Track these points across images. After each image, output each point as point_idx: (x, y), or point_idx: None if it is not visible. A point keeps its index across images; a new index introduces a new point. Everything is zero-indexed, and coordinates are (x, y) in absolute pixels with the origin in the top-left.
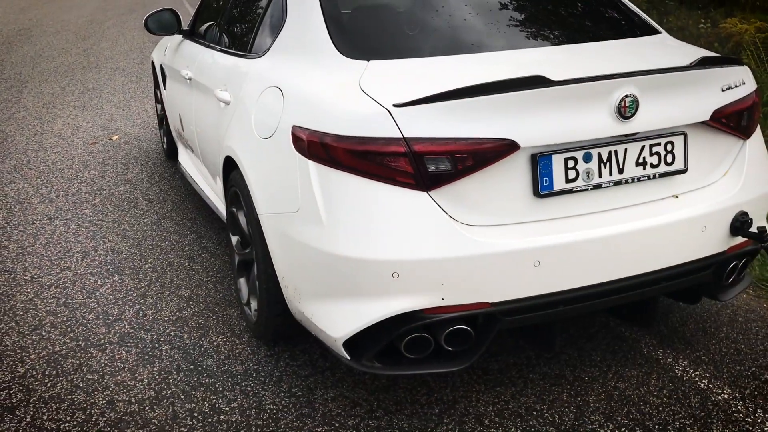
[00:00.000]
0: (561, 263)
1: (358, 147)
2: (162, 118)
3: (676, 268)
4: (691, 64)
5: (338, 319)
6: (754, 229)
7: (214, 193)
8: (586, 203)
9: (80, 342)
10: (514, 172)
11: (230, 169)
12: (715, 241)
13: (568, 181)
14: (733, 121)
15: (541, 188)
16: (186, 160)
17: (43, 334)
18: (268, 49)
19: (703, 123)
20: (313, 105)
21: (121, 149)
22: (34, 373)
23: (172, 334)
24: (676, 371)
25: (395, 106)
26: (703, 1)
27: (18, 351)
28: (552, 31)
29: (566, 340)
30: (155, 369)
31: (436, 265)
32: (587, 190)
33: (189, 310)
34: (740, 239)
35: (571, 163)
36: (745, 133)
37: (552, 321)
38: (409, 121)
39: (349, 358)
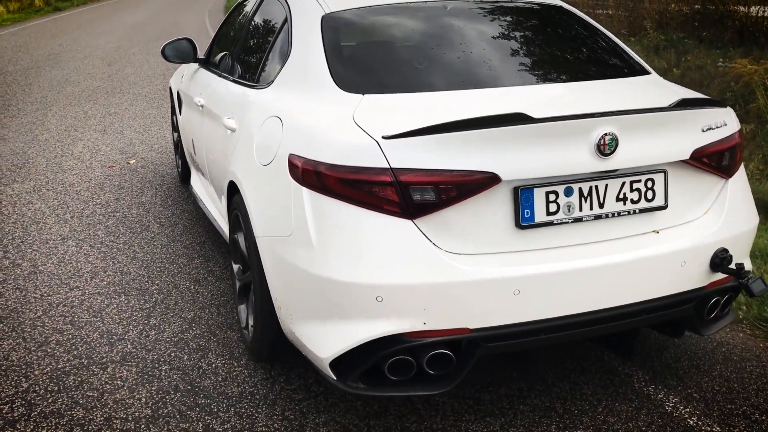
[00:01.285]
0: (540, 293)
1: (348, 176)
2: (177, 143)
3: (656, 301)
4: (670, 105)
5: (325, 340)
6: (733, 266)
7: (221, 216)
8: (566, 236)
9: (83, 360)
10: (497, 204)
11: (233, 193)
12: (695, 276)
13: (549, 213)
14: (714, 161)
15: (523, 220)
16: (197, 183)
17: (48, 350)
18: (273, 81)
19: (683, 162)
20: (309, 135)
21: (137, 173)
22: (37, 388)
23: (173, 354)
24: (666, 407)
25: (384, 138)
26: (722, 41)
27: (23, 366)
28: (542, 69)
29: (559, 373)
30: (153, 388)
31: (418, 290)
32: (568, 223)
33: (191, 331)
34: (721, 275)
35: (552, 197)
36: (727, 173)
37: (532, 348)
38: (397, 153)
39: (335, 378)
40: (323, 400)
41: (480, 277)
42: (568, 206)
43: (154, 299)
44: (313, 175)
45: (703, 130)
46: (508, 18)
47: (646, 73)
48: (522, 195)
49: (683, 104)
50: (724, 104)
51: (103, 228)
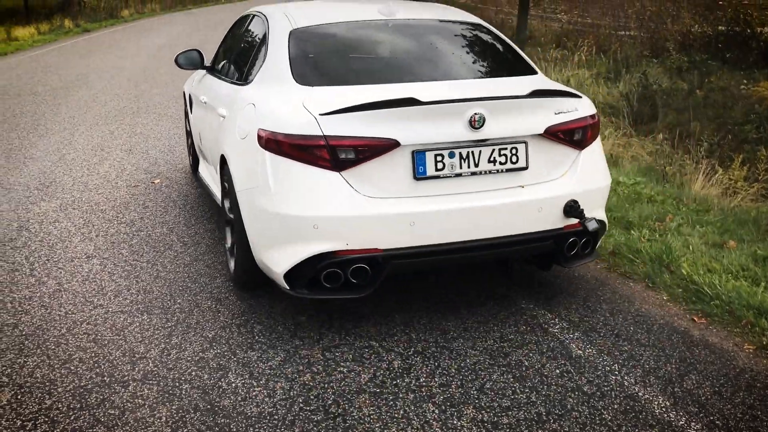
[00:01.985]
0: (430, 225)
1: (296, 142)
2: (189, 137)
3: (522, 236)
4: (525, 94)
5: (279, 259)
6: (583, 213)
7: (217, 187)
8: (450, 186)
9: (105, 378)
10: (399, 162)
11: (223, 166)
12: (551, 219)
13: (437, 170)
14: (567, 136)
15: (418, 174)
16: (203, 169)
17: (72, 368)
18: (253, 79)
19: (540, 135)
20: (272, 115)
21: (161, 192)
22: (60, 406)
23: (193, 373)
24: (551, 330)
25: (320, 115)
26: (746, 62)
27: (47, 383)
28: (448, 69)
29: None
30: (174, 407)
31: (343, 221)
32: (451, 177)
33: (212, 351)
34: (574, 221)
35: (439, 158)
36: (579, 146)
37: (428, 269)
38: (329, 125)
39: (288, 287)
40: (341, 422)
41: (386, 212)
42: (451, 165)
43: (175, 318)
44: (273, 143)
45: (555, 113)
46: (434, 32)
47: (534, 73)
48: (417, 156)
49: (536, 94)
50: (578, 95)
51: (128, 247)
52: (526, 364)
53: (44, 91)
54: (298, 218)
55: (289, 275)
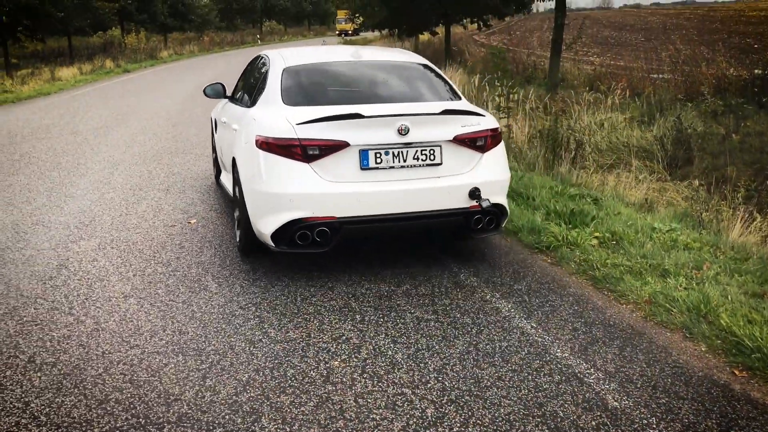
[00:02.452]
0: (371, 201)
1: (280, 143)
2: (213, 152)
3: (439, 212)
4: (438, 112)
5: (267, 225)
6: (484, 199)
7: (230, 185)
8: (385, 175)
9: (141, 419)
10: (349, 157)
11: (234, 167)
12: (460, 201)
13: (376, 163)
14: (471, 142)
15: (362, 166)
16: (223, 176)
17: (108, 408)
18: (256, 103)
19: (451, 141)
20: (265, 125)
21: (197, 233)
22: None
23: (227, 417)
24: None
25: (296, 124)
26: None
27: (83, 424)
28: (392, 96)
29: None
30: None
31: (310, 197)
32: (386, 168)
33: (245, 394)
34: (475, 203)
35: (377, 155)
36: (481, 150)
37: (372, 234)
38: (302, 131)
39: (273, 245)
40: None
41: (340, 191)
42: (387, 160)
43: (210, 360)
44: (264, 144)
45: (462, 126)
46: (387, 69)
47: (458, 98)
48: (362, 153)
49: (446, 112)
50: (481, 114)
51: (164, 287)
52: (561, 415)
53: (85, 130)
54: (279, 195)
55: (274, 236)
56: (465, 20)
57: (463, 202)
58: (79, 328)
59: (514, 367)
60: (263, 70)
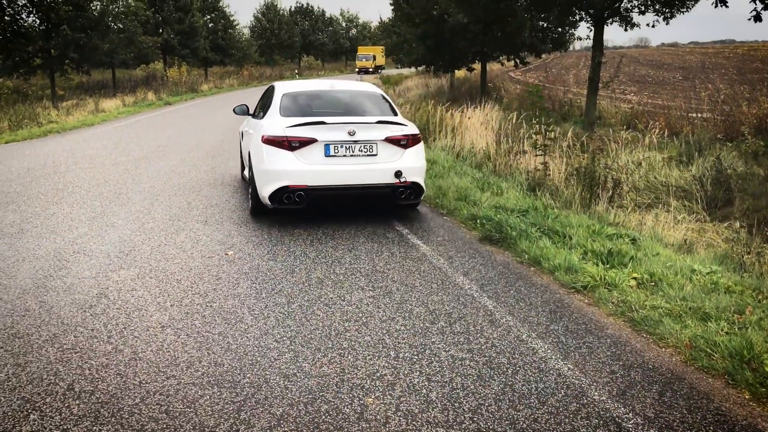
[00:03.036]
0: (329, 176)
1: (276, 139)
2: (240, 155)
3: (375, 185)
4: (374, 122)
5: (266, 190)
6: (403, 177)
7: (247, 171)
8: (341, 160)
9: None
10: (318, 148)
11: (249, 157)
12: (389, 178)
13: (335, 153)
14: (397, 142)
15: (326, 154)
16: (246, 171)
17: None
18: (264, 116)
19: (383, 140)
20: (268, 128)
21: (234, 264)
22: None
23: None
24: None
25: (286, 127)
26: None
27: None
28: (353, 112)
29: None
30: None
31: (291, 172)
32: (341, 156)
33: (279, 428)
34: (398, 180)
35: (335, 148)
36: (404, 147)
37: (331, 197)
38: (288, 132)
39: (269, 203)
40: None
41: (311, 169)
42: (342, 152)
43: (245, 392)
44: (266, 139)
45: (391, 132)
46: (351, 95)
47: (395, 114)
48: (326, 146)
49: (380, 122)
50: (404, 124)
51: (200, 318)
52: None
53: (126, 161)
54: (274, 171)
55: (270, 197)
56: (501, 57)
57: (390, 179)
58: (117, 357)
59: (550, 409)
60: (271, 95)
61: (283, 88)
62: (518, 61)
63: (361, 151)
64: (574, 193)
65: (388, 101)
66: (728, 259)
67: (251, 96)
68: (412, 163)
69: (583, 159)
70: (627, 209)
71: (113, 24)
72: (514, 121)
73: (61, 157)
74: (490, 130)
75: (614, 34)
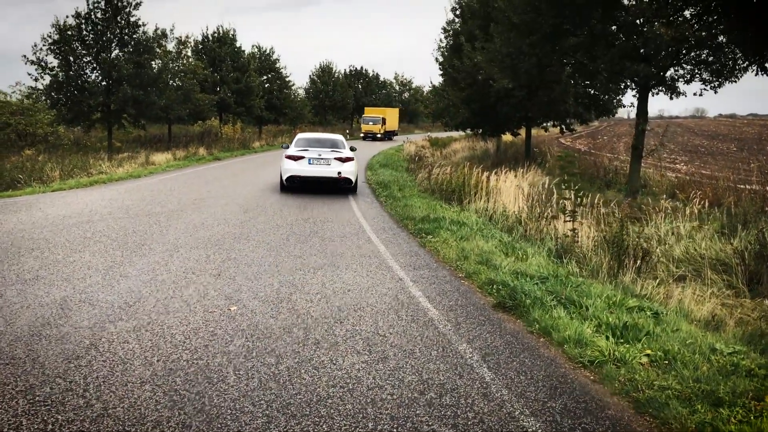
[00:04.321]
0: (309, 172)
1: (289, 156)
2: (280, 174)
3: (328, 177)
4: (330, 150)
5: (284, 177)
6: (344, 175)
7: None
8: (315, 165)
9: None
10: (305, 161)
11: (280, 167)
12: (335, 174)
13: (312, 163)
14: (340, 159)
15: (308, 163)
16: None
17: None
18: (289, 147)
19: (333, 158)
20: (288, 152)
21: (233, 321)
22: None
23: None
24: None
25: (295, 150)
26: None
27: None
28: (324, 146)
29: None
30: None
31: (295, 169)
32: (315, 165)
33: None
34: (340, 176)
35: (312, 160)
36: (342, 162)
37: (309, 182)
38: (294, 152)
39: (286, 183)
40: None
41: (302, 168)
42: (315, 162)
43: None
44: (286, 156)
45: (336, 155)
46: (327, 139)
47: (346, 149)
48: (309, 159)
49: (332, 151)
50: (347, 151)
51: (183, 375)
52: None
53: (160, 212)
54: (288, 169)
55: (286, 180)
56: (546, 123)
57: (335, 175)
58: (86, 413)
59: None
60: (295, 137)
61: (300, 135)
62: (563, 127)
63: (323, 162)
64: (602, 261)
65: (343, 142)
66: (758, 339)
67: None
68: (347, 168)
69: (614, 227)
70: (657, 281)
71: (171, 81)
72: (546, 186)
73: (98, 206)
74: (523, 194)
75: (670, 104)
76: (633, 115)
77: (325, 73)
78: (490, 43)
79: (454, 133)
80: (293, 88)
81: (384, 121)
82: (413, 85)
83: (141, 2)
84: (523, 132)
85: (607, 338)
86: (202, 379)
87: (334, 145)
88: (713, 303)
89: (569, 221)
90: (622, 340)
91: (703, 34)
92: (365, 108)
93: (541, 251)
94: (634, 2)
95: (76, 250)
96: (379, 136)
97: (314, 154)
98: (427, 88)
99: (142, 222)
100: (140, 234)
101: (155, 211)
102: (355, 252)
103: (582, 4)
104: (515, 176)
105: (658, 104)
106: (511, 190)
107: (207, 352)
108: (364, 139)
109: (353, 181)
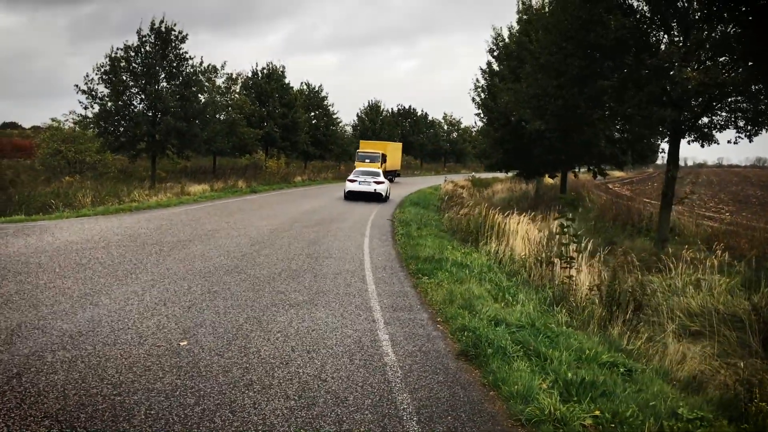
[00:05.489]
0: (359, 188)
1: (349, 179)
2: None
3: (370, 192)
4: (371, 176)
5: (345, 191)
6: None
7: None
8: (362, 185)
9: None
10: (357, 182)
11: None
12: (373, 190)
13: (360, 183)
14: (377, 182)
15: (359, 184)
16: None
17: None
18: (350, 175)
19: (373, 182)
20: (350, 176)
21: (176, 356)
22: None
23: None
24: None
25: (352, 176)
26: None
27: None
28: (368, 175)
29: None
30: None
31: (351, 188)
32: (363, 184)
33: None
34: (379, 193)
35: (361, 183)
36: (378, 183)
37: (360, 195)
38: (353, 177)
39: (344, 198)
40: None
41: (354, 186)
42: (363, 184)
43: None
44: (347, 179)
45: (375, 179)
46: (370, 170)
47: (380, 175)
48: (359, 182)
49: (372, 176)
50: (381, 177)
51: (90, 411)
52: None
53: (167, 241)
54: (347, 186)
55: (345, 194)
56: (580, 167)
57: (373, 190)
58: None
59: None
60: (354, 170)
61: (356, 169)
62: (596, 171)
63: (366, 184)
64: (594, 312)
65: (380, 173)
66: (734, 405)
67: (337, 190)
68: (379, 187)
69: (606, 276)
70: (645, 335)
71: (218, 115)
72: (550, 229)
73: (110, 233)
74: (527, 239)
75: (729, 153)
76: (697, 161)
77: (372, 110)
78: (518, 83)
79: (499, 175)
80: (340, 124)
81: (384, 158)
82: (462, 126)
83: (187, 36)
84: (561, 175)
85: (559, 396)
86: (108, 417)
87: (374, 174)
88: (696, 362)
89: (566, 267)
90: (574, 399)
91: (733, 78)
92: (360, 141)
93: (533, 297)
94: (663, 46)
95: (61, 276)
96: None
97: (362, 179)
98: (475, 129)
99: (143, 251)
100: (134, 263)
101: (163, 240)
102: (341, 290)
103: (611, 47)
104: (535, 220)
105: (717, 153)
106: (525, 234)
107: (129, 388)
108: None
109: (382, 194)
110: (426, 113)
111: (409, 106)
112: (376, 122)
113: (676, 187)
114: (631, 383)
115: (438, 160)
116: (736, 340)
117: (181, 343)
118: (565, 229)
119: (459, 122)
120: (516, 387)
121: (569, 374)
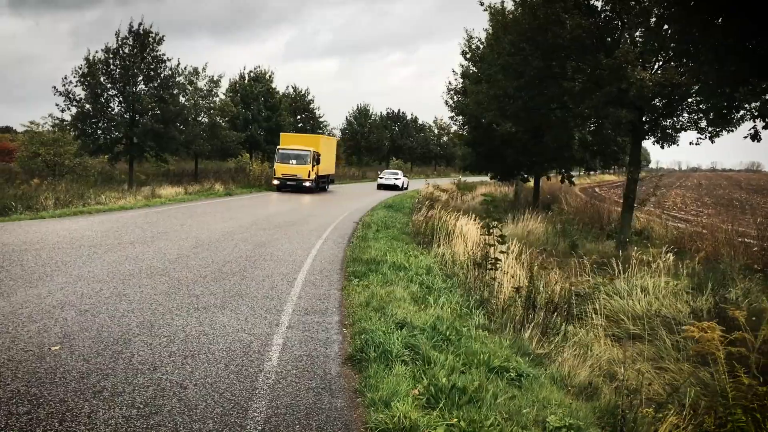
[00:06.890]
0: (384, 182)
1: (380, 176)
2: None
3: (393, 185)
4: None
5: (377, 184)
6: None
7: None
8: (386, 180)
9: None
10: (384, 179)
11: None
12: (393, 183)
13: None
14: (396, 181)
15: (385, 180)
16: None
17: None
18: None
19: (396, 179)
20: (380, 174)
21: (40, 361)
22: None
23: None
24: None
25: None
26: None
27: None
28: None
29: None
30: None
31: (380, 181)
32: (387, 180)
33: None
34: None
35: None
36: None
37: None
38: (380, 174)
39: (378, 187)
40: None
41: (381, 181)
42: (388, 178)
43: None
44: (379, 177)
45: (398, 177)
46: (393, 171)
47: (401, 172)
48: (385, 178)
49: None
50: (402, 174)
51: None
52: None
53: (109, 244)
54: (378, 181)
55: (378, 186)
56: (551, 171)
57: (393, 183)
58: None
59: None
60: (383, 171)
61: (385, 170)
62: (564, 176)
63: (389, 179)
64: (510, 316)
65: (401, 172)
66: (615, 412)
67: (317, 195)
68: (398, 182)
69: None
70: (555, 339)
71: (201, 117)
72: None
73: (53, 236)
74: (464, 241)
75: (723, 157)
76: (708, 165)
77: (361, 114)
78: (479, 85)
79: (486, 178)
80: (328, 128)
81: (317, 158)
82: (452, 130)
83: (164, 37)
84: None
85: (428, 402)
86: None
87: (395, 173)
88: (595, 366)
89: (491, 269)
90: (436, 406)
91: (683, 79)
92: (282, 134)
93: (457, 300)
94: (619, 47)
95: None
96: (306, 184)
97: (387, 175)
98: (451, 133)
99: (75, 253)
100: (58, 265)
101: (103, 243)
102: (261, 293)
103: (568, 47)
104: (470, 220)
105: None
106: (473, 236)
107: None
108: (278, 189)
109: (399, 186)
110: (416, 117)
111: (399, 110)
112: (365, 126)
113: (669, 191)
114: (517, 389)
115: (428, 163)
116: (671, 344)
117: (53, 348)
118: (491, 230)
119: (449, 126)
120: (381, 393)
121: (443, 380)
